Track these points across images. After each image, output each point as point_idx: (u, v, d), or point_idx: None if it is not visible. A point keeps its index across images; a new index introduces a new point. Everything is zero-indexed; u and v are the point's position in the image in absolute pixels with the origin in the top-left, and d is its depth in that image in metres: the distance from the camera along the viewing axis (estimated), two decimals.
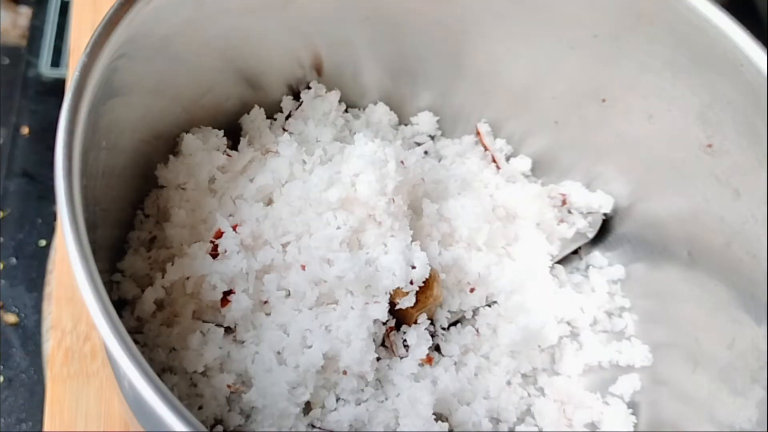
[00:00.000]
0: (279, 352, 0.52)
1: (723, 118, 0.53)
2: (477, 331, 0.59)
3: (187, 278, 0.52)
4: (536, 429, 0.57)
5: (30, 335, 0.68)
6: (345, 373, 0.52)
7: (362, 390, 0.53)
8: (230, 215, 0.56)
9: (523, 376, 0.59)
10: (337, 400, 0.53)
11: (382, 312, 0.52)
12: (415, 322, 0.55)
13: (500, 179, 0.65)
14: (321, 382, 0.52)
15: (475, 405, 0.55)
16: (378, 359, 0.53)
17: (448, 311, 0.58)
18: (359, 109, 0.68)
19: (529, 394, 0.59)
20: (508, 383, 0.58)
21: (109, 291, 0.51)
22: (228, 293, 0.52)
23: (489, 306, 0.60)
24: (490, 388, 0.56)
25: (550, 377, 0.60)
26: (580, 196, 0.65)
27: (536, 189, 0.64)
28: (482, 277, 0.59)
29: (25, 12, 0.87)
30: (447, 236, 0.59)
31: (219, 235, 0.54)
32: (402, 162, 0.56)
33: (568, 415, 0.58)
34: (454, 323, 0.59)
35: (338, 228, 0.54)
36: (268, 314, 0.54)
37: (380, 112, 0.67)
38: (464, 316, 0.59)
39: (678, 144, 0.57)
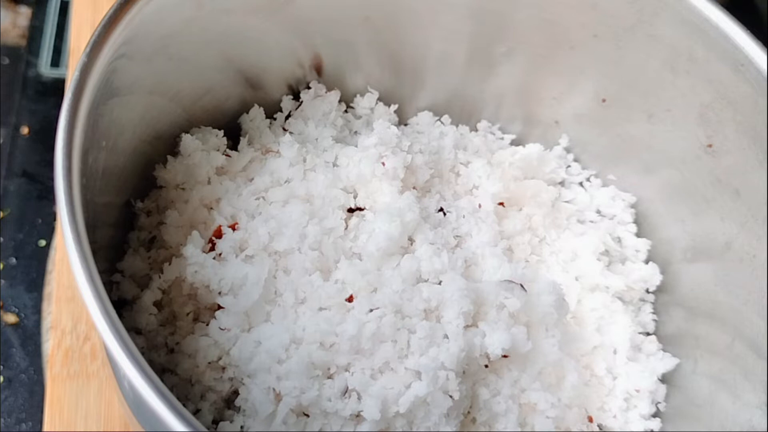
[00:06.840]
0: (279, 353, 0.52)
1: (723, 118, 0.53)
2: None
3: (185, 278, 0.52)
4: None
5: (30, 335, 0.68)
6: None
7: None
8: (230, 215, 0.55)
9: None
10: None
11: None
12: None
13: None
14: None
15: None
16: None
17: None
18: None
19: None
20: None
21: (109, 291, 0.51)
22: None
23: None
24: None
25: None
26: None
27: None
28: None
29: (24, 12, 0.87)
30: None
31: (218, 235, 0.54)
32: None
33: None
34: None
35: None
36: (267, 314, 0.53)
37: (380, 112, 0.66)
38: None
39: (678, 144, 0.57)
